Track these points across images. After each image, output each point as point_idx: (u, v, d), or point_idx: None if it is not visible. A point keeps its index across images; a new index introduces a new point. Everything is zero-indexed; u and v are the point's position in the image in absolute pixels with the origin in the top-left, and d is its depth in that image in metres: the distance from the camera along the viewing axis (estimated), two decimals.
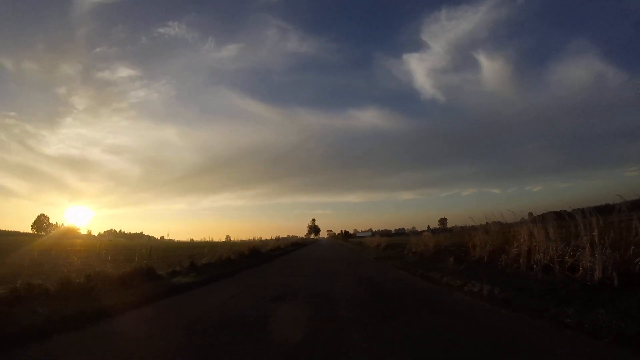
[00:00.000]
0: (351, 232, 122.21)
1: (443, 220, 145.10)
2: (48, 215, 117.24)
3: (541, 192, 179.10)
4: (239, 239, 40.44)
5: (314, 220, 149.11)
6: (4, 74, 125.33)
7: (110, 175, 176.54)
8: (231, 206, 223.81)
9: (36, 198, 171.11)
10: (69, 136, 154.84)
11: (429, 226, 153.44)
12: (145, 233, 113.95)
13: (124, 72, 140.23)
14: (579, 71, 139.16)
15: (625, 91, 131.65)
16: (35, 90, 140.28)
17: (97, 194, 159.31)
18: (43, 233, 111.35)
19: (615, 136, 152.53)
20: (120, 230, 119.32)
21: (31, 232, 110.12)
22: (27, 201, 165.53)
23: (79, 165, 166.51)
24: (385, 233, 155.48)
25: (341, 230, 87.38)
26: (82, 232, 77.66)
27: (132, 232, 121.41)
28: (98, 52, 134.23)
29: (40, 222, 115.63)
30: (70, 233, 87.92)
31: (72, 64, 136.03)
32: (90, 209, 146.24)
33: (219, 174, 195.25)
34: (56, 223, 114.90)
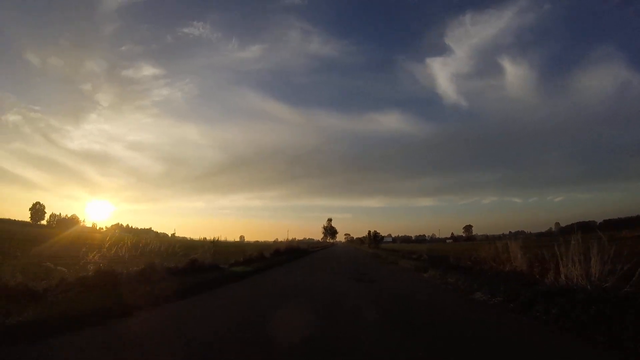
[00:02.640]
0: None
1: (468, 228, 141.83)
2: (44, 204, 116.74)
3: (563, 202, 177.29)
4: (254, 239, 38.15)
5: (330, 220, 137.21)
6: (31, 69, 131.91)
7: (131, 171, 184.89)
8: (249, 206, 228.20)
9: (58, 191, 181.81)
10: (92, 132, 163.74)
11: (452, 233, 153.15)
12: (155, 229, 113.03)
13: (148, 70, 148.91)
14: (604, 79, 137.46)
15: None
16: (61, 85, 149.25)
17: (117, 189, 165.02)
18: (43, 222, 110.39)
19: (638, 148, 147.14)
20: (127, 225, 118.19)
21: (28, 220, 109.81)
22: (49, 193, 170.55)
23: (100, 160, 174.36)
24: (405, 239, 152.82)
25: (369, 232, 74.69)
26: (86, 225, 75.78)
27: (139, 227, 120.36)
28: (123, 50, 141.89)
29: (37, 211, 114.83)
30: (72, 224, 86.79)
31: (98, 61, 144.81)
32: (111, 203, 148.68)
33: (238, 173, 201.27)
34: (58, 213, 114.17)
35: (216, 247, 16.44)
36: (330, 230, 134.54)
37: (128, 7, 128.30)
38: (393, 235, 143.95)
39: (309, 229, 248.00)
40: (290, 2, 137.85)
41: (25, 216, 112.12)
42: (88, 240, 18.07)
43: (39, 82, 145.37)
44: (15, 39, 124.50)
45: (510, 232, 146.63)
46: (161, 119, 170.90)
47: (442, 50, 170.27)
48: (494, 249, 12.73)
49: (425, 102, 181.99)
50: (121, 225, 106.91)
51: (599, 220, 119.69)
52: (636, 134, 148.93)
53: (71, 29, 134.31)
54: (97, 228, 65.65)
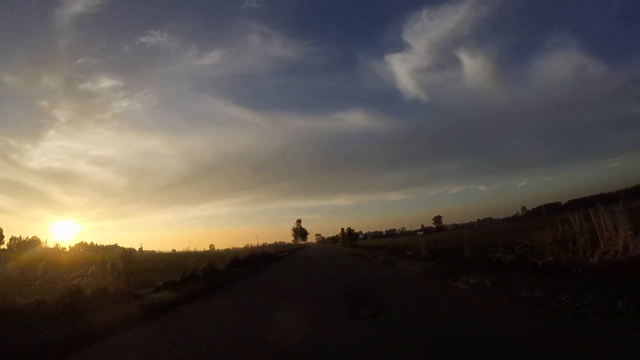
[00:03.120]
0: (337, 236, 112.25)
1: (438, 219, 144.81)
2: (2, 227, 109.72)
3: (526, 186, 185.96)
4: (224, 247, 35.26)
5: (299, 221, 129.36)
6: None
7: (96, 187, 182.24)
8: (218, 214, 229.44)
9: (22, 214, 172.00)
10: (52, 149, 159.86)
11: (422, 225, 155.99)
12: (123, 245, 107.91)
13: (106, 82, 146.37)
14: (560, 65, 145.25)
15: (605, 83, 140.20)
16: (17, 103, 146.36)
17: (82, 207, 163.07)
18: (3, 247, 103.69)
19: (598, 128, 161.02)
20: (92, 243, 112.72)
21: None
22: (13, 217, 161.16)
23: (63, 178, 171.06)
24: (377, 235, 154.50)
25: (342, 229, 65.92)
26: (48, 246, 71.42)
27: (105, 244, 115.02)
28: (80, 63, 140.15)
29: None
30: (33, 246, 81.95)
31: (54, 76, 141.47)
32: (77, 222, 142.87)
33: (205, 182, 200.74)
34: (19, 236, 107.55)
35: (132, 262, 14.67)
36: (300, 232, 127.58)
37: (83, 19, 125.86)
38: (364, 232, 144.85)
39: (280, 233, 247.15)
40: (248, 7, 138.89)
41: None
42: (49, 261, 16.89)
43: None
44: None
45: (478, 219, 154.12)
46: (123, 131, 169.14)
47: (400, 46, 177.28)
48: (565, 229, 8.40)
49: (387, 98, 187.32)
50: (85, 243, 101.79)
51: (564, 201, 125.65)
52: (594, 116, 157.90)
53: (26, 45, 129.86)
54: (60, 248, 61.72)
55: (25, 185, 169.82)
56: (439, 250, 16.08)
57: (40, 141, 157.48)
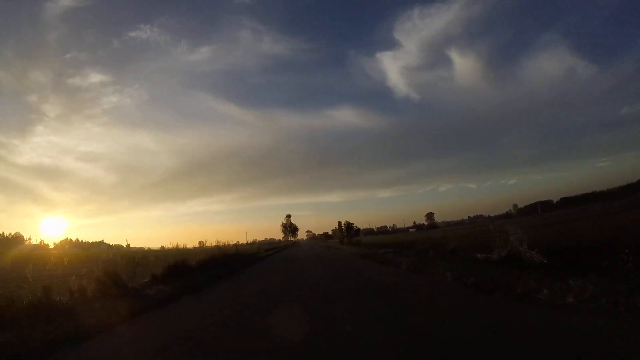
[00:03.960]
0: (330, 232, 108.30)
1: (430, 215, 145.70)
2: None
3: (516, 185, 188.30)
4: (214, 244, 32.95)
5: (289, 217, 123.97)
6: None
7: (85, 183, 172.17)
8: (209, 211, 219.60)
9: (10, 210, 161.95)
10: (41, 145, 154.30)
11: (415, 222, 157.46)
12: (110, 242, 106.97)
13: (95, 77, 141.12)
14: (551, 65, 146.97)
15: (595, 84, 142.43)
16: (5, 98, 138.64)
17: (72, 204, 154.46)
18: None
19: (587, 128, 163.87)
20: (77, 239, 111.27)
21: None
22: (1, 214, 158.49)
23: (52, 174, 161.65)
24: (369, 232, 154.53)
25: (339, 223, 55.46)
26: (32, 242, 70.12)
27: (90, 241, 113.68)
28: (69, 57, 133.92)
29: None
30: (16, 243, 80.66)
31: (43, 70, 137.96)
32: (66, 219, 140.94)
33: (196, 178, 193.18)
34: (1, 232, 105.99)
35: None
36: (290, 228, 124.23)
37: (72, 13, 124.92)
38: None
39: (270, 230, 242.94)
40: (239, 2, 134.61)
41: None
42: (42, 258, 17.02)
43: None
44: None
45: (469, 217, 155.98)
46: (112, 127, 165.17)
47: (391, 44, 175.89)
48: None
49: (378, 96, 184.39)
50: (70, 240, 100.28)
51: (555, 199, 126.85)
52: (584, 116, 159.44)
53: (14, 39, 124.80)
54: (44, 245, 60.53)
55: (13, 182, 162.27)
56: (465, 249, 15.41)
57: (29, 137, 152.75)
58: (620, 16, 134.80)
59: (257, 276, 16.17)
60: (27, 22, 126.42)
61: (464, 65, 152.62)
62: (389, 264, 15.31)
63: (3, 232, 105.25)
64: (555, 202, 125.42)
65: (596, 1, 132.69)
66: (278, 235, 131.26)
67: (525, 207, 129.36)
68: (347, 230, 53.21)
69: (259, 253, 38.39)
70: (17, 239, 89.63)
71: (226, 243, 30.80)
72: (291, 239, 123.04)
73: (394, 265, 14.19)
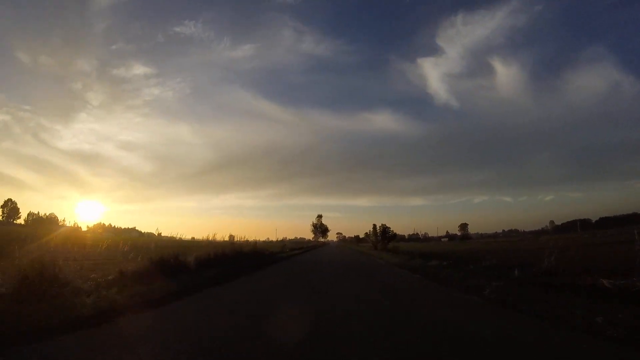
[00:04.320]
0: (361, 236, 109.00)
1: (464, 226, 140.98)
2: (16, 201, 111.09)
3: (553, 201, 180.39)
4: (244, 239, 30.30)
5: (320, 217, 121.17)
6: (21, 68, 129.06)
7: (123, 171, 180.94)
8: (242, 205, 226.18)
9: (48, 191, 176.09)
10: (83, 131, 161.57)
11: (447, 232, 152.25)
12: (142, 229, 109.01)
13: (139, 69, 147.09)
14: (595, 80, 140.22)
15: None
16: (51, 84, 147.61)
17: (108, 189, 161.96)
18: (20, 221, 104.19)
19: (630, 147, 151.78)
20: (110, 224, 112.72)
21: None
22: (39, 194, 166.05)
23: (91, 160, 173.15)
24: (400, 238, 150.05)
25: (374, 226, 49.33)
26: (66, 224, 70.52)
27: (123, 227, 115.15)
28: (114, 48, 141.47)
29: (11, 209, 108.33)
30: (50, 223, 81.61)
31: (89, 59, 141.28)
32: (102, 203, 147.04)
33: (230, 173, 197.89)
34: (36, 212, 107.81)
35: None
36: (320, 228, 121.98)
37: (120, 5, 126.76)
38: None
39: (301, 228, 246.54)
40: (283, 1, 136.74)
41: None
42: (78, 240, 17.23)
43: (29, 80, 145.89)
44: (5, 36, 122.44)
45: (503, 230, 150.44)
46: (152, 118, 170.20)
47: (433, 50, 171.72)
48: None
49: (417, 102, 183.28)
50: (103, 224, 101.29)
51: (594, 218, 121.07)
52: (626, 135, 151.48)
53: (62, 27, 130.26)
54: (78, 227, 60.52)
55: (53, 164, 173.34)
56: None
57: (71, 123, 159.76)
58: None
59: (290, 281, 12.79)
60: (76, 11, 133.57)
61: (506, 75, 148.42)
62: (456, 286, 10.33)
63: (38, 212, 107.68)
64: (594, 221, 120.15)
65: None
66: (308, 234, 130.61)
67: (562, 224, 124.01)
68: (383, 235, 47.38)
69: (282, 252, 34.53)
70: (51, 219, 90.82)
71: (243, 238, 28.13)
72: (321, 239, 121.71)
73: (471, 291, 9.09)
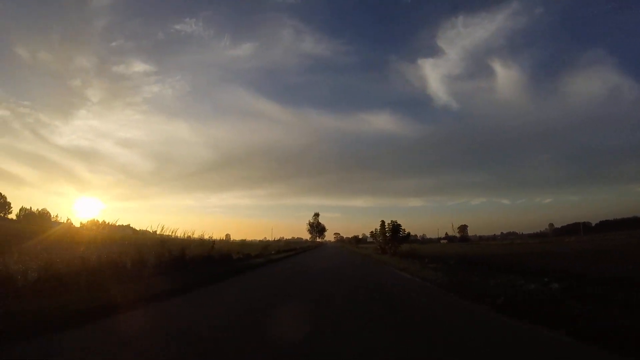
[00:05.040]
0: (360, 236, 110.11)
1: (463, 228, 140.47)
2: (5, 195, 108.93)
3: (551, 204, 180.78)
4: (240, 238, 27.90)
5: (316, 215, 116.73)
6: (20, 64, 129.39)
7: (121, 168, 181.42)
8: (238, 205, 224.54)
9: (46, 187, 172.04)
10: (82, 128, 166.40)
11: (446, 233, 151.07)
12: (136, 227, 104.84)
13: (139, 66, 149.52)
14: (594, 83, 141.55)
15: None
16: (50, 80, 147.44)
17: (106, 186, 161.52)
18: (12, 217, 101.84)
19: (628, 151, 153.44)
20: (104, 221, 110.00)
21: None
22: (37, 190, 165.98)
23: (89, 156, 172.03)
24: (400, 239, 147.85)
25: (382, 222, 33.58)
26: (59, 220, 68.41)
27: (117, 224, 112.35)
28: (114, 45, 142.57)
29: (1, 205, 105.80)
30: (42, 220, 79.54)
31: (88, 56, 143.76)
32: (99, 200, 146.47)
33: (228, 172, 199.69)
34: (29, 207, 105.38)
35: None
36: (317, 228, 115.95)
37: (120, 2, 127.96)
38: None
39: (298, 229, 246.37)
40: (282, 1, 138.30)
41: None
42: (76, 237, 16.49)
43: (28, 76, 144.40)
44: (4, 32, 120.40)
45: (501, 232, 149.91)
46: (151, 115, 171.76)
47: (433, 51, 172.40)
48: None
49: (416, 103, 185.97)
50: (97, 221, 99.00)
51: (593, 221, 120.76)
52: (625, 138, 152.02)
53: (62, 23, 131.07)
54: (71, 224, 58.56)
55: (51, 161, 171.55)
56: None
57: (70, 119, 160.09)
58: None
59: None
60: (76, 7, 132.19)
61: (505, 77, 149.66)
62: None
63: (30, 207, 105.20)
64: (594, 224, 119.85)
65: None
66: (305, 234, 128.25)
67: (562, 227, 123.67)
68: (393, 234, 34.02)
69: (261, 256, 26.53)
70: (43, 215, 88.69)
71: (192, 234, 20.94)
72: (318, 239, 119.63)
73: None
